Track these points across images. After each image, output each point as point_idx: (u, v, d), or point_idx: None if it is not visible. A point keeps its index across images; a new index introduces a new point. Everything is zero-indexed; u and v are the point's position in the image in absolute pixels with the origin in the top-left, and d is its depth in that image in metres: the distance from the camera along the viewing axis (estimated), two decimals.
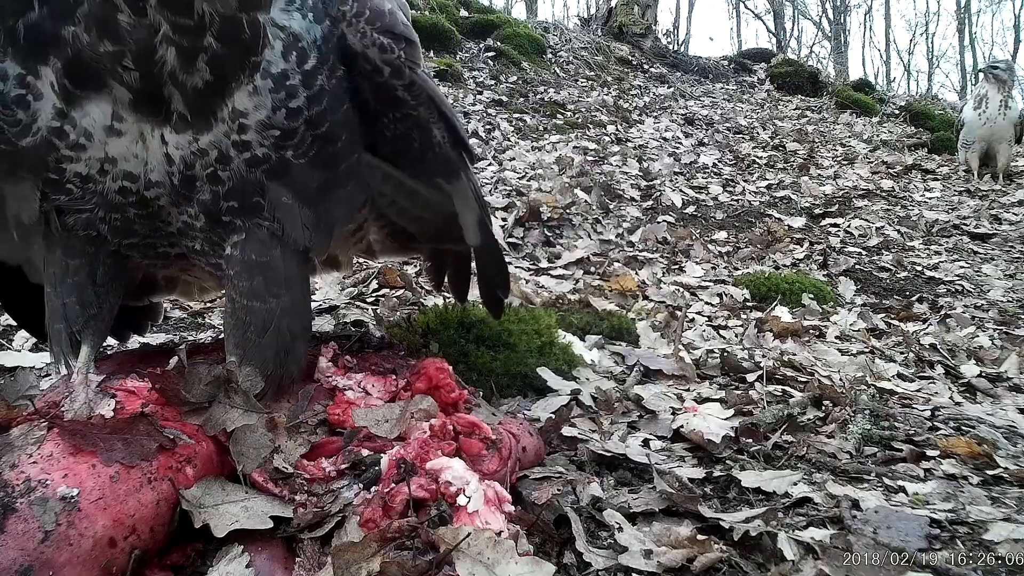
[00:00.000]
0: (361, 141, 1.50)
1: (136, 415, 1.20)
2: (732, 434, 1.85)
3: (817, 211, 6.01)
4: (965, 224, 6.08)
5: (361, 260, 3.34)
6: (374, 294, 3.03)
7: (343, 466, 1.23)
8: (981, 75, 7.85)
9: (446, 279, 2.17)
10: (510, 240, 4.26)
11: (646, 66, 11.92)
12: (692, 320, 3.21)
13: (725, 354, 2.58)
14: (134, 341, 2.17)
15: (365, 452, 1.27)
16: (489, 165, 5.72)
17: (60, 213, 1.32)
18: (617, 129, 7.92)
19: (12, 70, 1.16)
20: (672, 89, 10.85)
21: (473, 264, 1.99)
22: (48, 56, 1.14)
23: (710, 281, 3.98)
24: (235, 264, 1.36)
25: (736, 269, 4.36)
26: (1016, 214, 6.45)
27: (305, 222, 1.39)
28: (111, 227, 1.33)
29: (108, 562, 1.02)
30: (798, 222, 5.58)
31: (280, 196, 1.34)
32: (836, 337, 3.18)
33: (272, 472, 1.23)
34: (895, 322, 3.62)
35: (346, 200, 1.52)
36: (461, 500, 1.19)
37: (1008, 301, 4.19)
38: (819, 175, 7.30)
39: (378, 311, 2.64)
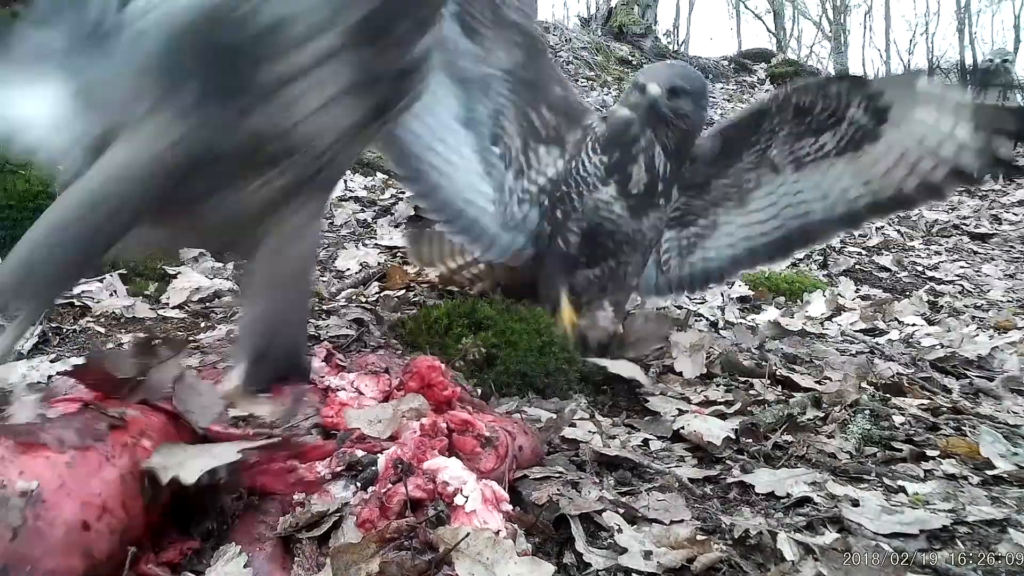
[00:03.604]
0: None
1: (80, 407, 1.17)
2: (732, 435, 1.85)
3: None
4: (965, 224, 6.07)
5: (365, 261, 3.34)
6: (375, 295, 3.02)
7: (338, 468, 1.23)
8: (998, 64, 7.72)
9: None
10: None
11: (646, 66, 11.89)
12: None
13: (725, 354, 2.57)
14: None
15: (360, 453, 1.26)
16: None
17: None
18: None
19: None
20: None
21: None
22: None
23: None
24: None
25: None
26: (1016, 214, 6.44)
27: None
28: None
29: (87, 547, 1.00)
30: None
31: None
32: (836, 337, 3.18)
33: (229, 421, 1.22)
34: (895, 321, 3.61)
35: None
36: (459, 500, 1.19)
37: (1008, 301, 4.18)
38: None
39: (378, 310, 2.64)
